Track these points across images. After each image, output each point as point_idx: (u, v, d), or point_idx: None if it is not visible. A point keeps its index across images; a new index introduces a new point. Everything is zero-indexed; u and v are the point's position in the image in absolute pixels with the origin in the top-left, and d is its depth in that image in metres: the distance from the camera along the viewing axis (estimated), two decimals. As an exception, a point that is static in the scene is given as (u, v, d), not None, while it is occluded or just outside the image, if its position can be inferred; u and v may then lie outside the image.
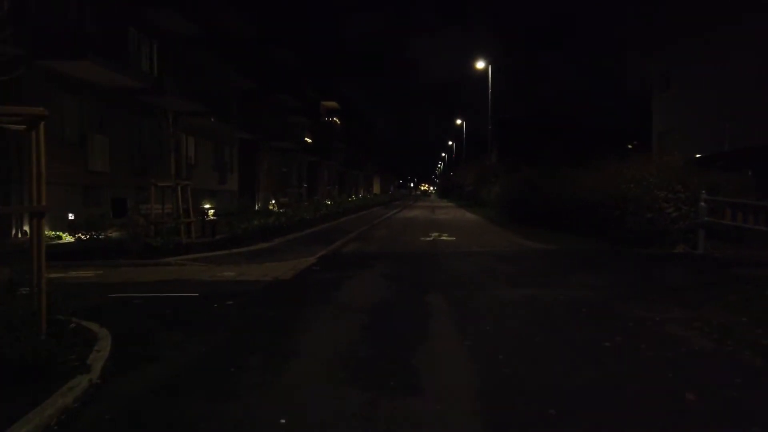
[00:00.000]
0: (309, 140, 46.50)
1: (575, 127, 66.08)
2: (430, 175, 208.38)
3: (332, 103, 52.17)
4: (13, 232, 15.92)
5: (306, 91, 44.22)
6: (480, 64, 34.37)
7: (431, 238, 16.73)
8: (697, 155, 20.14)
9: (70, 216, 17.19)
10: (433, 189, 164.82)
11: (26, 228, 15.90)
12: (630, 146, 63.40)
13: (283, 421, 3.68)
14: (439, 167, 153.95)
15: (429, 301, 7.56)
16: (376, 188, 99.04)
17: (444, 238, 16.90)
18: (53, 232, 15.91)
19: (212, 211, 26.79)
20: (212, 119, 28.33)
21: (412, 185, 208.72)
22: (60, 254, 11.62)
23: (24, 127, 4.84)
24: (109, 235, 13.79)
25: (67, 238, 15.23)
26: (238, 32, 32.93)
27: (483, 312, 6.89)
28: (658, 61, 29.71)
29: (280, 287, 8.86)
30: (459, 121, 61.90)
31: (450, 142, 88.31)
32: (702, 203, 12.03)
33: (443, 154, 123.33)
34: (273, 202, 35.91)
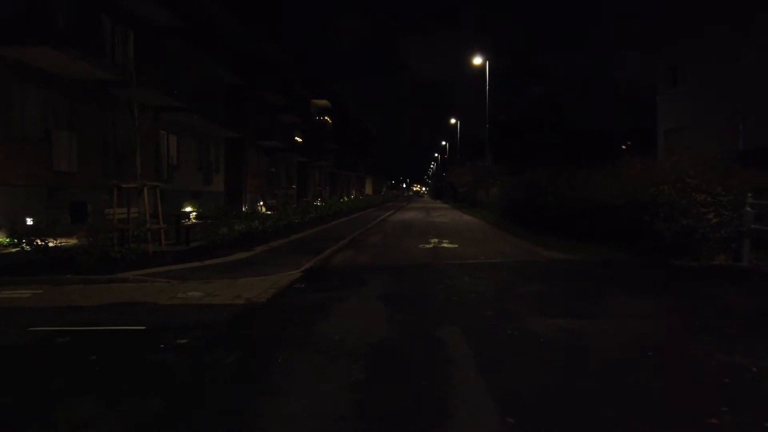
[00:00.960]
0: (299, 139, 44.62)
1: (568, 128, 64.84)
2: (422, 176, 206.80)
3: (323, 102, 50.28)
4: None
5: (295, 88, 42.34)
6: (477, 60, 32.67)
7: (431, 246, 14.95)
8: (713, 154, 18.54)
9: (29, 221, 15.25)
10: (425, 190, 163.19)
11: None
12: (624, 147, 62.22)
13: None
14: (432, 168, 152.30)
15: (442, 339, 5.74)
16: (369, 189, 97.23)
17: (446, 245, 15.13)
18: (5, 239, 13.99)
19: (194, 213, 24.96)
20: (196, 116, 26.41)
21: (404, 186, 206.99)
22: (-3, 268, 9.76)
23: None
24: (63, 243, 11.91)
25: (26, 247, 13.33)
26: (223, 25, 31.03)
27: (517, 358, 5.09)
28: (665, 56, 28.11)
29: (252, 316, 7.02)
30: (453, 120, 60.23)
31: (443, 142, 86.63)
32: (747, 208, 10.33)
33: (436, 155, 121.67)
34: (261, 203, 34.01)
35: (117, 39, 21.36)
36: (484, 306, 7.33)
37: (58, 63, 16.63)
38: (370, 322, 6.52)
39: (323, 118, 52.69)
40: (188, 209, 24.45)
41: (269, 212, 30.21)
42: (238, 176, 33.88)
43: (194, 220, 23.17)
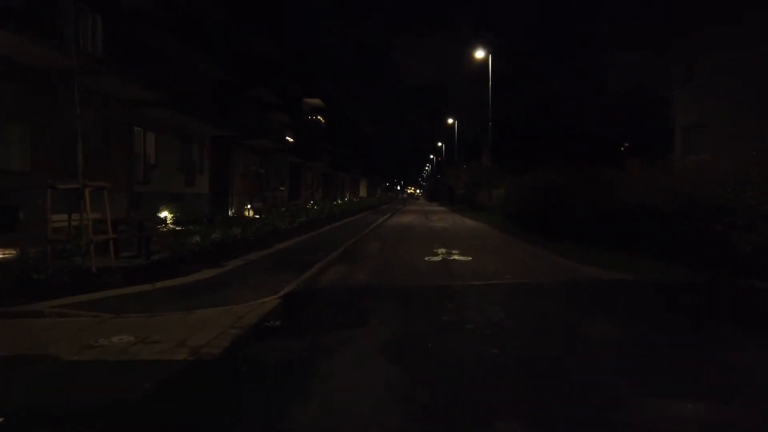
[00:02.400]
0: (291, 139, 42.03)
1: (566, 129, 62.57)
2: (416, 178, 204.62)
3: (316, 101, 47.68)
4: None
5: (287, 86, 39.76)
6: (479, 54, 30.22)
7: (439, 258, 12.42)
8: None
9: (-39, 229, 12.62)
10: (420, 192, 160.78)
11: None
12: (622, 148, 60.02)
13: None
14: (426, 170, 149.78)
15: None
16: (363, 191, 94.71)
17: (457, 257, 12.60)
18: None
19: (171, 218, 22.34)
20: (176, 112, 23.78)
21: (399, 188, 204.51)
22: None
23: None
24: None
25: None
26: (210, 17, 28.46)
27: None
28: (680, 48, 25.77)
29: (188, 390, 4.44)
30: (450, 120, 57.74)
31: (439, 143, 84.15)
32: None
33: (431, 156, 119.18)
34: (249, 207, 31.41)
35: (84, 24, 18.74)
36: (549, 369, 4.76)
37: (4, 45, 14.04)
38: (374, 409, 3.96)
39: (316, 117, 50.09)
40: (164, 214, 21.83)
41: (257, 216, 27.71)
42: (225, 177, 31.27)
43: (171, 226, 20.56)
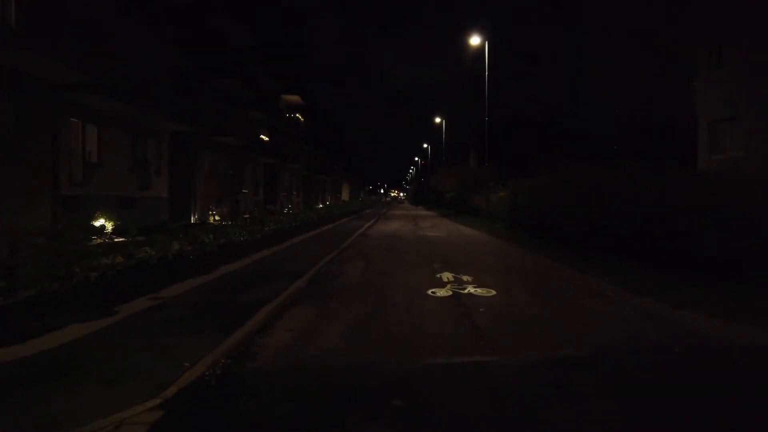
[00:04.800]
0: (265, 138, 37.81)
1: (557, 130, 59.24)
2: (400, 181, 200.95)
3: (294, 97, 43.44)
4: None
5: (262, 79, 35.56)
6: (475, 40, 26.40)
7: (448, 292, 8.42)
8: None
9: None
10: (403, 195, 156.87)
11: None
12: (615, 147, 56.76)
13: None
14: (411, 172, 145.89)
15: None
16: (345, 194, 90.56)
17: (472, 289, 8.58)
18: None
19: (111, 227, 18.11)
20: (123, 101, 19.53)
21: (382, 191, 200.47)
22: None
23: None
24: None
25: None
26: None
27: None
28: (706, 32, 22.16)
29: None
30: (438, 120, 53.89)
31: (425, 144, 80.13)
32: None
33: (416, 158, 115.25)
34: (213, 212, 27.18)
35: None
36: None
37: None
38: None
39: (295, 115, 45.83)
40: (101, 222, 17.59)
41: (224, 222, 23.53)
42: (187, 179, 27.01)
43: (111, 238, 16.31)
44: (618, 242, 10.51)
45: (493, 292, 8.29)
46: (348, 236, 18.55)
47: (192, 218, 26.36)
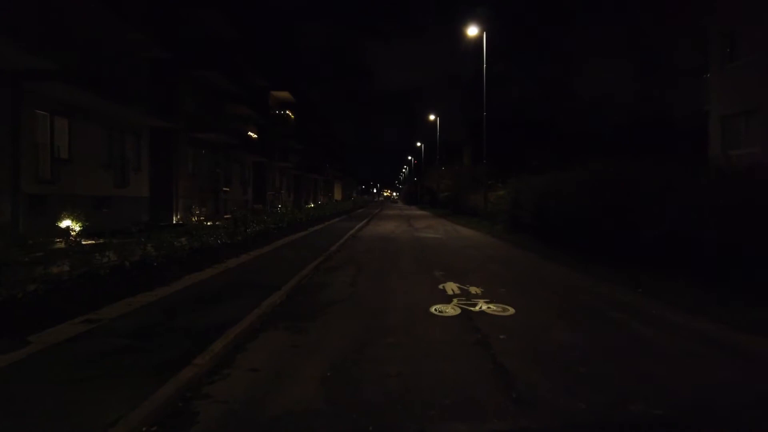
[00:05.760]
0: (253, 135, 36.12)
1: (549, 129, 58.00)
2: (392, 181, 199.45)
3: (284, 94, 41.71)
4: None
5: (250, 74, 33.85)
6: (473, 31, 24.83)
7: (455, 309, 6.83)
8: None
9: None
10: (397, 195, 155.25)
11: None
12: (626, 142, 55.56)
13: None
14: (404, 172, 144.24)
15: None
16: (338, 194, 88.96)
17: (484, 305, 7.01)
18: None
19: (80, 228, 16.44)
20: (94, 93, 17.86)
21: (375, 191, 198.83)
22: None
23: None
24: None
25: None
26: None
27: None
28: (720, 22, 20.76)
29: None
30: (432, 117, 52.20)
31: (418, 143, 78.46)
32: None
33: (409, 158, 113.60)
34: (197, 212, 25.48)
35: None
36: None
37: None
38: None
39: (284, 112, 44.10)
40: (67, 223, 15.93)
41: (209, 223, 21.87)
42: (169, 177, 25.32)
43: (78, 241, 14.62)
44: (643, 247, 9.01)
45: (511, 310, 6.73)
46: (338, 238, 16.96)
47: (174, 218, 24.68)
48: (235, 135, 31.86)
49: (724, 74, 20.38)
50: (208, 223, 19.40)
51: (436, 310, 6.84)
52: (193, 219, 24.76)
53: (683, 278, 7.93)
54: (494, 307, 6.92)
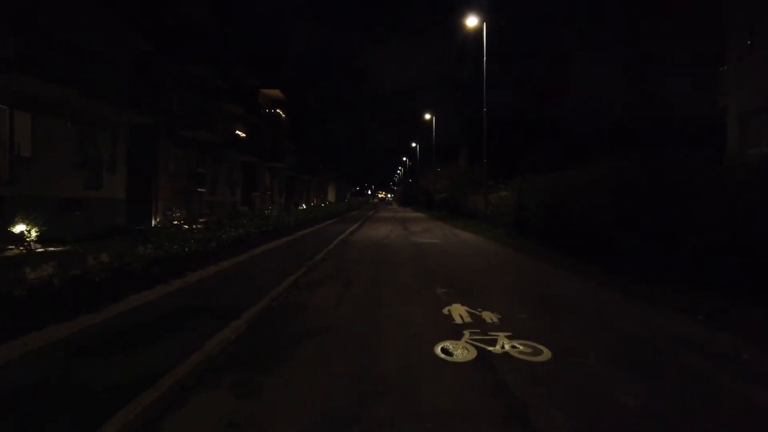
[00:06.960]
0: (242, 134, 34.25)
1: (545, 130, 56.60)
2: (387, 182, 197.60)
3: (275, 92, 39.82)
4: None
5: (237, 69, 32.00)
6: (472, 22, 23.04)
7: (473, 350, 5.01)
8: None
9: None
10: (391, 196, 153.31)
11: None
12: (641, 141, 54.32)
13: None
14: (399, 173, 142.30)
15: None
16: (331, 196, 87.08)
17: (507, 343, 5.15)
18: None
19: (36, 234, 14.57)
20: (61, 84, 15.98)
21: (369, 192, 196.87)
22: None
23: None
24: None
25: None
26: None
27: None
28: (740, 11, 19.09)
29: None
30: (428, 116, 50.25)
31: (413, 144, 76.58)
32: None
33: (404, 159, 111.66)
34: (177, 215, 23.57)
35: None
36: None
37: None
38: None
39: (276, 111, 42.22)
40: (21, 228, 14.07)
41: (187, 227, 20.01)
42: (148, 178, 23.46)
43: (32, 248, 12.75)
44: (684, 260, 7.27)
45: (546, 353, 4.94)
46: (326, 244, 15.15)
47: (153, 221, 22.80)
48: (224, 134, 30.01)
49: (744, 67, 18.72)
50: (185, 227, 17.60)
51: (443, 351, 5.04)
52: (174, 222, 22.88)
53: (750, 300, 6.19)
54: (520, 347, 5.14)
